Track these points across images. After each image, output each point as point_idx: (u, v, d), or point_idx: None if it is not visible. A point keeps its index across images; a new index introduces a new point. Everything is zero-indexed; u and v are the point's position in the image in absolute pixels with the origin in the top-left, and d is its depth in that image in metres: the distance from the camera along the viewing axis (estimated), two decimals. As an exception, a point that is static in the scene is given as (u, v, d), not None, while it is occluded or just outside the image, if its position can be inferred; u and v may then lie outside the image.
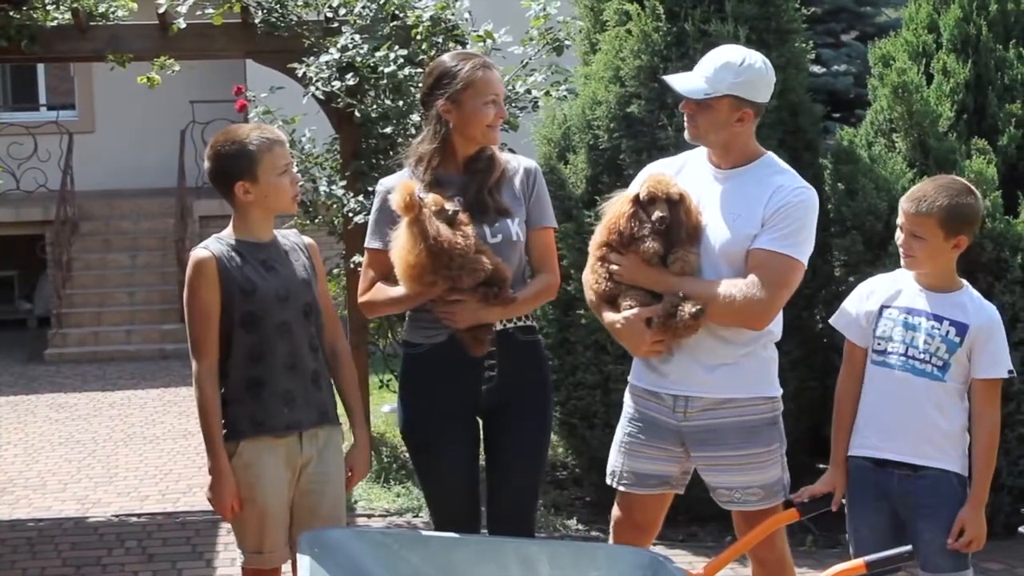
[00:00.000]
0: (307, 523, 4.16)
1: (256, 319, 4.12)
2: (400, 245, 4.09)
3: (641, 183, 4.17)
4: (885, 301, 4.16)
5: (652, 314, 4.10)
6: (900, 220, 4.11)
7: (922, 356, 4.05)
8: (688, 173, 4.26)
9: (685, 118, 4.20)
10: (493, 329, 4.22)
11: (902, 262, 4.14)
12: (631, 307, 4.14)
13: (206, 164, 4.22)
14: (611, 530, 4.47)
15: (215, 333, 4.13)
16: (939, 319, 4.06)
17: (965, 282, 4.18)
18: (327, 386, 4.28)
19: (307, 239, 4.40)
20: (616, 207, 4.19)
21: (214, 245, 4.17)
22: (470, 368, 4.24)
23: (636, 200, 4.13)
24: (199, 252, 4.16)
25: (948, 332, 4.05)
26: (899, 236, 4.12)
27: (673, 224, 4.08)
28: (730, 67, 4.09)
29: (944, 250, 4.06)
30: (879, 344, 4.14)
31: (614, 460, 4.39)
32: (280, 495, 4.17)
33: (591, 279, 4.26)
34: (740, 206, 4.10)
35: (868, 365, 4.17)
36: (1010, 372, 4.10)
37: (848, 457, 4.21)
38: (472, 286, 4.10)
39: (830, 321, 4.34)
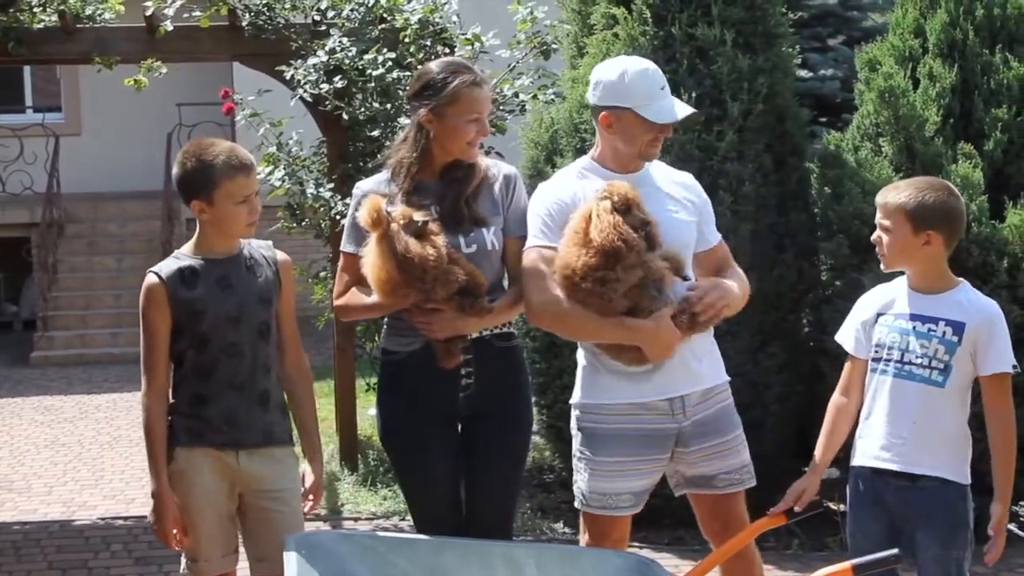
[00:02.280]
0: (263, 538, 4.13)
1: (206, 339, 4.08)
2: (371, 261, 4.06)
3: (606, 194, 4.05)
4: (880, 309, 4.12)
5: (676, 312, 4.05)
6: (877, 217, 4.10)
7: (919, 361, 3.99)
8: (593, 185, 4.18)
9: (657, 144, 4.24)
10: (467, 339, 4.19)
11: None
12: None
13: (174, 170, 4.16)
14: None
15: (164, 356, 4.11)
16: (934, 321, 3.99)
17: (963, 280, 4.11)
18: (276, 407, 4.21)
19: (281, 255, 4.28)
20: (602, 223, 4.00)
21: (167, 267, 4.12)
22: (447, 375, 4.21)
23: (615, 210, 4.02)
24: (149, 277, 4.11)
25: (944, 333, 3.98)
26: (875, 235, 4.10)
27: (652, 228, 4.07)
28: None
29: (914, 246, 3.99)
30: (876, 352, 4.09)
31: (599, 486, 4.23)
32: (214, 504, 4.13)
33: (597, 302, 4.03)
34: (669, 201, 4.24)
35: (867, 374, 4.13)
36: (1014, 367, 4.03)
37: (851, 465, 4.18)
38: (446, 297, 4.06)
39: (835, 338, 4.31)
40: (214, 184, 4.03)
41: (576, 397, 4.32)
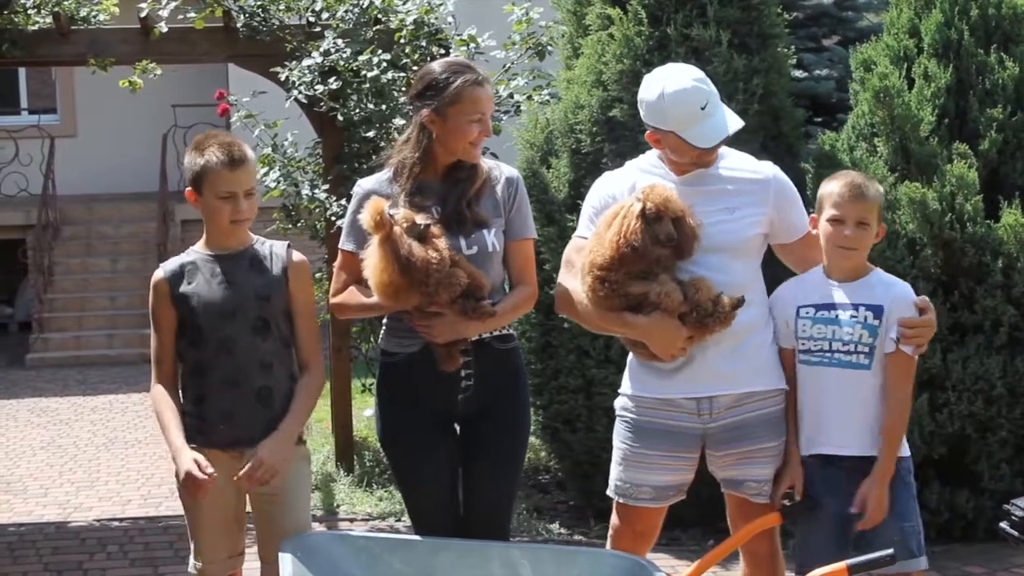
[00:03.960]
0: (269, 540, 4.12)
1: (201, 334, 4.11)
2: (373, 264, 4.03)
3: (641, 197, 4.05)
4: (800, 302, 4.17)
5: (685, 310, 4.03)
6: (837, 214, 4.07)
7: (846, 348, 4.06)
8: (650, 182, 4.19)
9: (709, 154, 4.17)
10: (468, 342, 4.17)
11: (838, 260, 4.11)
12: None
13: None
14: (609, 539, 4.41)
15: (170, 349, 4.17)
16: (855, 307, 4.06)
17: (875, 267, 4.19)
18: (280, 404, 4.16)
19: (296, 256, 4.25)
20: (621, 226, 4.04)
21: (172, 263, 4.20)
22: (446, 377, 4.19)
23: (643, 215, 4.02)
24: (156, 273, 4.20)
25: (866, 317, 4.05)
26: (828, 229, 4.09)
27: (679, 241, 4.04)
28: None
29: (873, 238, 4.13)
30: (802, 344, 4.14)
31: (624, 475, 4.28)
32: (220, 506, 4.13)
33: (593, 297, 4.12)
34: (730, 200, 4.17)
35: (796, 366, 4.17)
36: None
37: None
38: (449, 300, 4.05)
39: None
40: (202, 176, 4.09)
41: (621, 387, 4.36)
